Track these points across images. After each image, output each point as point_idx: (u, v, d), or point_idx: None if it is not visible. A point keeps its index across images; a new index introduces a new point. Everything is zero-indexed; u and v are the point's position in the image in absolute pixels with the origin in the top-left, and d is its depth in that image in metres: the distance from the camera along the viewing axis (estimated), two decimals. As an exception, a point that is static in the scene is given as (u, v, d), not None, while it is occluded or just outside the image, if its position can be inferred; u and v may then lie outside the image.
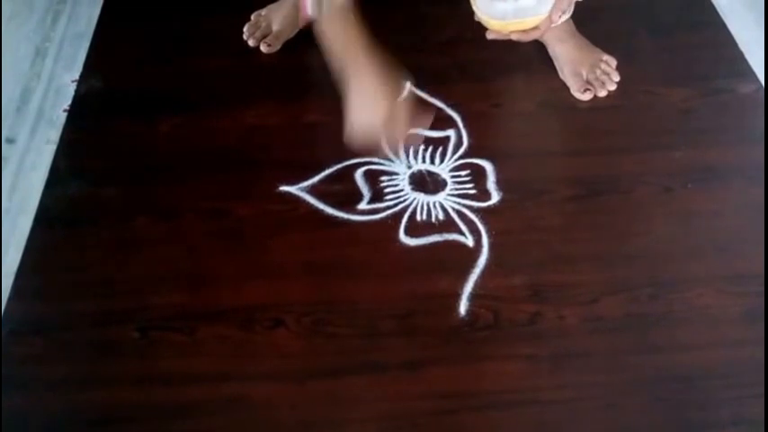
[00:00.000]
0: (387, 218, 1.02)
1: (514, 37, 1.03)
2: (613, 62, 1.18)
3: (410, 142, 1.03)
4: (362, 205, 1.03)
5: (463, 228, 1.01)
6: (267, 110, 1.16)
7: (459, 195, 1.05)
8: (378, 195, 1.05)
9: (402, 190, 1.06)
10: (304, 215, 1.03)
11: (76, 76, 1.22)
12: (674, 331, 0.90)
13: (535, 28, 1.01)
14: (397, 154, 1.04)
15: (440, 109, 1.15)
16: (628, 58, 1.19)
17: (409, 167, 1.08)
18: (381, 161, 1.08)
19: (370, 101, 0.92)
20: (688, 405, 0.85)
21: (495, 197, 1.04)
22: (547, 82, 1.19)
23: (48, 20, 1.33)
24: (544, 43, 1.20)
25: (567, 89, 1.17)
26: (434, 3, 1.34)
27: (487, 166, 1.08)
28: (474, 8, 1.02)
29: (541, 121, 1.16)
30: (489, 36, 1.04)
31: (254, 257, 0.99)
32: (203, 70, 1.23)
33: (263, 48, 1.24)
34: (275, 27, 1.25)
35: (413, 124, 0.97)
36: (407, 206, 1.04)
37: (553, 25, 1.00)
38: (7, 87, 1.18)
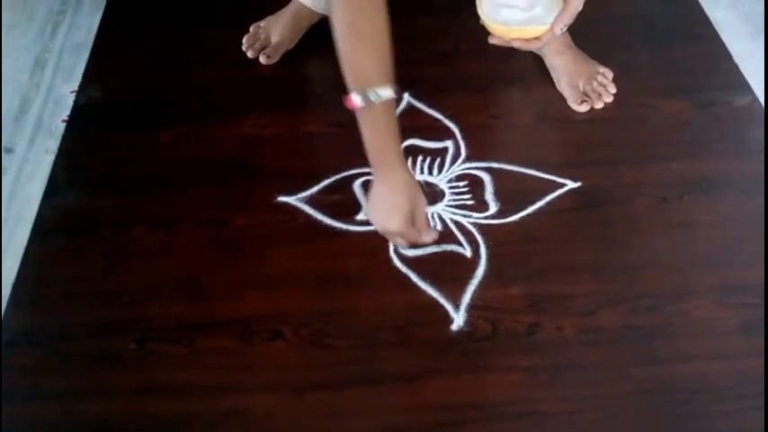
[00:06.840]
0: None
1: (516, 44, 1.03)
2: (610, 74, 1.19)
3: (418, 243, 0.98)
4: (361, 216, 1.04)
5: (461, 238, 1.01)
6: (266, 120, 1.17)
7: (457, 206, 1.05)
8: (376, 206, 1.05)
9: (400, 201, 1.06)
10: (302, 226, 1.03)
11: (75, 86, 1.23)
12: (673, 343, 0.90)
13: (537, 38, 1.01)
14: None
15: (438, 120, 1.16)
16: (624, 71, 1.20)
17: (407, 178, 1.09)
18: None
19: (388, 208, 0.92)
20: (687, 417, 0.85)
21: (493, 208, 1.05)
22: (544, 93, 1.19)
23: (47, 30, 1.33)
24: (541, 55, 1.21)
25: (565, 101, 1.18)
26: (432, 14, 1.34)
27: (485, 176, 1.08)
28: (479, 12, 1.02)
29: (539, 133, 1.16)
30: (491, 41, 1.03)
31: (253, 268, 0.99)
32: (202, 81, 1.24)
33: (262, 59, 1.25)
34: (274, 39, 1.25)
35: (423, 236, 0.95)
36: (406, 217, 1.04)
37: (556, 36, 1.00)
38: (6, 97, 1.19)
